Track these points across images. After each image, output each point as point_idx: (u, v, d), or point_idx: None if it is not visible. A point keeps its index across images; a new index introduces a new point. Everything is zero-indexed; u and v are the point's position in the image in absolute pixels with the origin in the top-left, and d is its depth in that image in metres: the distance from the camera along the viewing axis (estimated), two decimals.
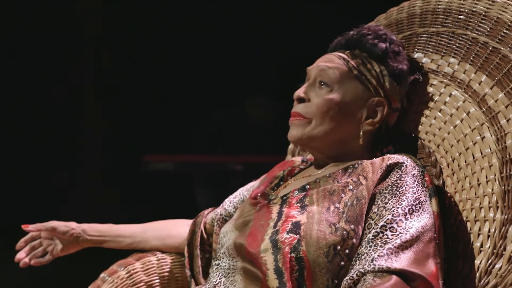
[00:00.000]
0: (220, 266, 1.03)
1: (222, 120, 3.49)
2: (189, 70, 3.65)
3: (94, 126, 3.77)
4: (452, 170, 1.05)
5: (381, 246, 0.87)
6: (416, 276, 0.84)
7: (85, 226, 1.29)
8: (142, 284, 1.22)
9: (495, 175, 0.96)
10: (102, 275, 1.23)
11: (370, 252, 0.88)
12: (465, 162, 1.02)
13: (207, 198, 3.38)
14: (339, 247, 0.91)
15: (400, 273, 0.84)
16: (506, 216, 0.92)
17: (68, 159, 3.70)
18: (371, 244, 0.89)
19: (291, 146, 1.51)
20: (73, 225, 1.28)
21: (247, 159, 3.30)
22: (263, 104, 3.52)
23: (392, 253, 0.86)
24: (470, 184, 1.00)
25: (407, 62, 1.08)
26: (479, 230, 0.96)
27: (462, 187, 1.01)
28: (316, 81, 1.06)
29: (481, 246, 0.95)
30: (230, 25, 3.64)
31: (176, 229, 1.28)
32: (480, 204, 0.97)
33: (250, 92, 3.53)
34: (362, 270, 0.86)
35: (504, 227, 0.92)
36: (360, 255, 0.89)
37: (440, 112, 1.10)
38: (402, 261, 0.85)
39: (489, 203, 0.96)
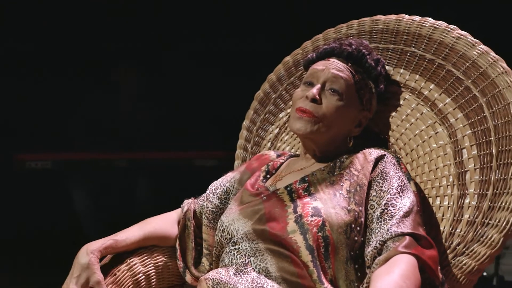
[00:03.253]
0: (240, 249, 1.17)
1: (97, 116, 3.43)
2: (57, 59, 3.51)
3: None
4: (411, 158, 1.33)
5: (389, 219, 1.11)
6: (421, 237, 1.09)
7: (95, 261, 1.20)
8: (141, 274, 1.29)
9: (450, 161, 1.26)
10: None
11: (383, 226, 1.11)
12: (423, 152, 1.31)
13: (86, 198, 3.32)
14: (353, 225, 1.13)
15: (410, 234, 1.08)
16: (461, 192, 1.23)
17: None
18: (380, 219, 1.13)
19: (241, 142, 1.67)
20: (98, 272, 1.20)
21: (130, 156, 3.32)
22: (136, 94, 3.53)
23: (399, 222, 1.10)
24: (429, 169, 1.30)
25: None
26: (440, 203, 1.26)
27: (422, 171, 1.31)
28: (326, 85, 1.25)
29: (443, 215, 1.25)
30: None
31: (174, 229, 1.36)
32: (439, 183, 1.27)
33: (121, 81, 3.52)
34: (382, 239, 1.09)
35: (460, 200, 1.23)
36: (374, 230, 1.12)
37: (396, 112, 1.38)
38: (408, 227, 1.10)
39: (447, 182, 1.26)
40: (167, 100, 3.59)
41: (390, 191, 1.16)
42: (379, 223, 1.12)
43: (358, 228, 1.14)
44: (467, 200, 1.22)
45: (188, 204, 1.40)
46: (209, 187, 1.42)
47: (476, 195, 1.20)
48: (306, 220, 1.13)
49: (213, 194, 1.39)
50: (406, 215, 1.12)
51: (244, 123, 1.68)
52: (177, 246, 1.34)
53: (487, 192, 1.19)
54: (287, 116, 1.60)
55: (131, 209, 3.42)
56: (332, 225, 1.12)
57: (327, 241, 1.11)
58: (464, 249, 1.19)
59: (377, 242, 1.10)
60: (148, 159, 3.40)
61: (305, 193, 1.19)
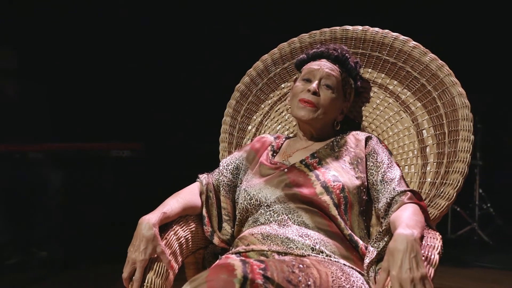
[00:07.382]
0: (275, 210, 1.47)
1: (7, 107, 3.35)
2: None
3: None
4: (382, 138, 1.74)
5: (390, 181, 1.49)
6: (415, 192, 1.48)
7: (158, 233, 1.39)
8: (182, 238, 1.51)
9: (414, 139, 1.69)
10: None
11: (387, 187, 1.48)
12: (392, 132, 1.72)
13: None
14: (361, 188, 1.50)
15: (410, 191, 1.47)
16: (423, 162, 1.66)
17: None
18: (383, 183, 1.50)
19: (225, 127, 1.94)
20: (161, 243, 1.39)
21: (44, 147, 3.31)
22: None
23: (399, 183, 1.49)
24: (397, 145, 1.71)
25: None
26: (408, 171, 1.68)
27: (392, 147, 1.71)
28: (321, 81, 1.59)
29: (411, 179, 1.67)
30: None
31: (199, 200, 1.59)
32: (406, 156, 1.69)
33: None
34: (391, 196, 1.46)
35: (423, 168, 1.66)
36: (380, 190, 1.49)
37: (368, 103, 1.77)
38: (405, 186, 1.49)
39: (412, 155, 1.68)
40: (83, 91, 3.61)
41: (384, 162, 1.55)
42: (383, 185, 1.50)
43: (364, 190, 1.51)
44: (428, 168, 1.65)
45: (206, 178, 1.64)
46: (221, 163, 1.68)
47: (435, 163, 1.64)
48: (330, 184, 1.47)
49: (226, 170, 1.65)
50: (400, 178, 1.51)
51: (227, 111, 1.95)
52: (205, 214, 1.58)
53: (443, 161, 1.63)
54: (270, 106, 1.92)
55: (45, 200, 3.41)
56: (349, 188, 1.47)
57: (346, 200, 1.46)
58: (429, 203, 1.61)
59: (386, 199, 1.47)
60: (62, 150, 3.41)
61: (319, 166, 1.53)
